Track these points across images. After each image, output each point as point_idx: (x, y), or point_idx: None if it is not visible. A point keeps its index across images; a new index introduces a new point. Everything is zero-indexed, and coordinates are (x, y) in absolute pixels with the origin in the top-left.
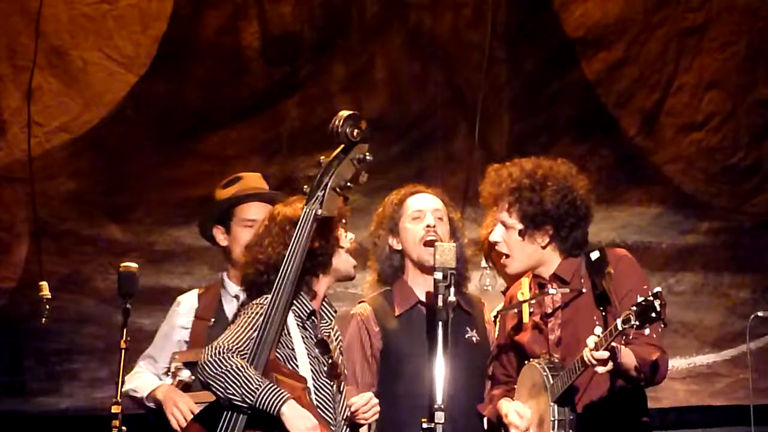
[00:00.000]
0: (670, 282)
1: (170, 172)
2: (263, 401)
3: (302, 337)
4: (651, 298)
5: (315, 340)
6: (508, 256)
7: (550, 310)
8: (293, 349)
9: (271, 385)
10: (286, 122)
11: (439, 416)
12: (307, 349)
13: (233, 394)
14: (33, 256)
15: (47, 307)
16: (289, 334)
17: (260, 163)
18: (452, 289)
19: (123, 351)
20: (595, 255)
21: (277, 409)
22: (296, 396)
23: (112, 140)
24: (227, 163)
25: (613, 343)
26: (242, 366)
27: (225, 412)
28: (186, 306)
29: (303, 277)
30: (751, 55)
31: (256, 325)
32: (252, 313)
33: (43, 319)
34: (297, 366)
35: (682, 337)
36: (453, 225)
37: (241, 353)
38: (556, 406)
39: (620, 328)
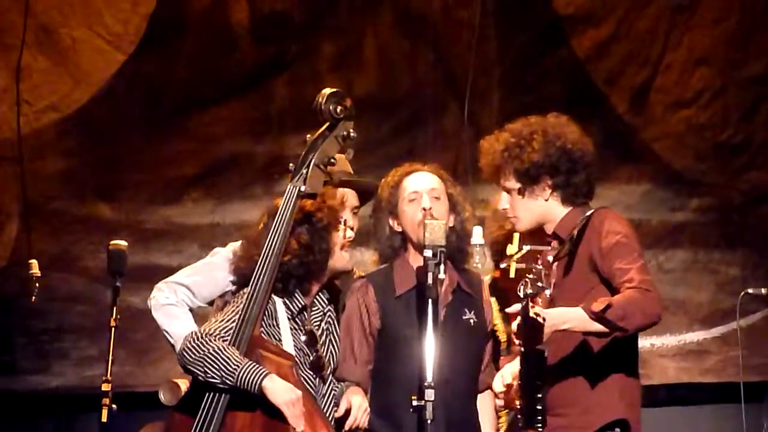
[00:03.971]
0: (660, 259)
1: (160, 150)
2: (243, 380)
3: (291, 328)
4: (540, 267)
5: (305, 331)
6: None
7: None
8: (280, 341)
9: (250, 363)
10: (276, 101)
11: (429, 394)
12: (294, 340)
13: (213, 377)
14: (22, 235)
15: (36, 285)
16: (277, 325)
17: (250, 142)
18: (442, 267)
19: (113, 329)
20: (588, 213)
21: (257, 385)
22: (283, 373)
23: (101, 119)
24: (217, 142)
25: (540, 310)
26: (221, 348)
27: (206, 395)
28: None
29: (300, 283)
30: (741, 32)
31: (239, 311)
32: (240, 302)
33: (33, 298)
34: None
35: (672, 315)
36: (452, 201)
37: (223, 339)
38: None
39: (520, 295)
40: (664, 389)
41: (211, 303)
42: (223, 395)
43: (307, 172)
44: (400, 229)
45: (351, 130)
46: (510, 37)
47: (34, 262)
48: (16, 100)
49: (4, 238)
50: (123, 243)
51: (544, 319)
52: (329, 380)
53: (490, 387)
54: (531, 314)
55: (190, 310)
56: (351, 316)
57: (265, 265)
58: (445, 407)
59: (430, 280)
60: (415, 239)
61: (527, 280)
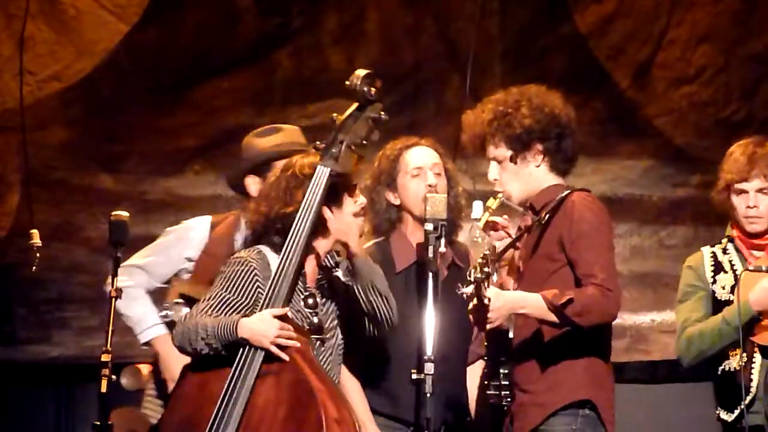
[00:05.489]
0: (661, 235)
1: (162, 121)
2: (223, 334)
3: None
4: (488, 252)
5: (304, 295)
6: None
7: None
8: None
9: (224, 319)
10: (279, 73)
11: (429, 367)
12: (292, 301)
13: (203, 349)
14: (24, 205)
15: (37, 255)
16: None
17: (252, 114)
18: (443, 240)
19: (113, 300)
20: (564, 194)
21: (236, 336)
22: (302, 349)
23: (104, 89)
24: (219, 114)
25: (494, 293)
26: (200, 321)
27: (240, 352)
28: (198, 237)
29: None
30: (744, 9)
31: (230, 287)
32: (229, 272)
33: (34, 268)
34: None
35: (674, 291)
36: (448, 175)
37: (219, 313)
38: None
39: (471, 278)
40: (665, 365)
41: (167, 282)
42: (257, 354)
43: (338, 152)
44: (397, 203)
45: (382, 113)
46: (513, 11)
47: (35, 231)
48: (19, 69)
49: (5, 208)
50: (124, 214)
51: (489, 305)
52: (333, 347)
53: (480, 357)
54: (481, 297)
55: (148, 292)
56: None
57: (293, 246)
58: (441, 382)
59: (431, 254)
60: (417, 214)
61: (477, 264)
